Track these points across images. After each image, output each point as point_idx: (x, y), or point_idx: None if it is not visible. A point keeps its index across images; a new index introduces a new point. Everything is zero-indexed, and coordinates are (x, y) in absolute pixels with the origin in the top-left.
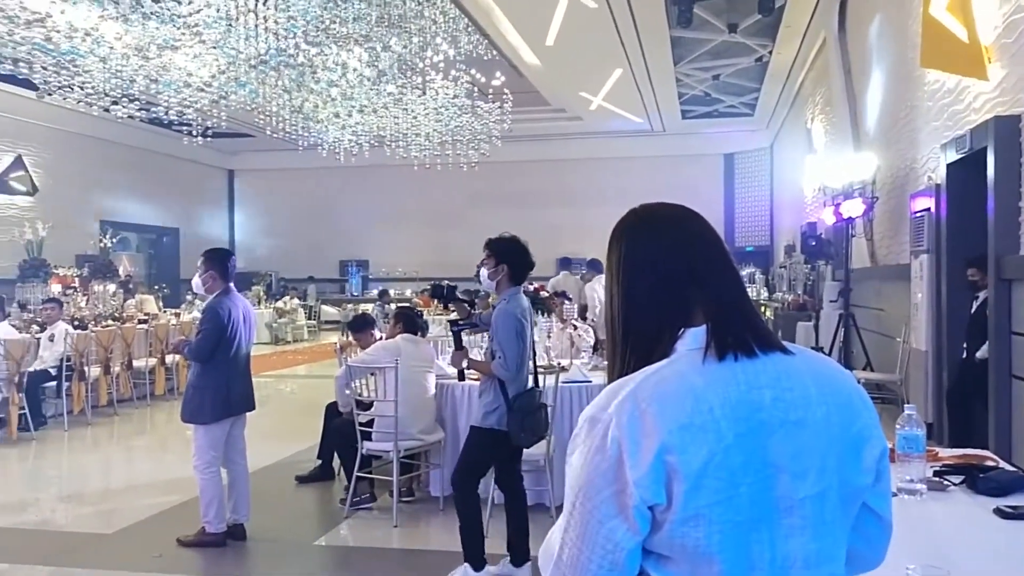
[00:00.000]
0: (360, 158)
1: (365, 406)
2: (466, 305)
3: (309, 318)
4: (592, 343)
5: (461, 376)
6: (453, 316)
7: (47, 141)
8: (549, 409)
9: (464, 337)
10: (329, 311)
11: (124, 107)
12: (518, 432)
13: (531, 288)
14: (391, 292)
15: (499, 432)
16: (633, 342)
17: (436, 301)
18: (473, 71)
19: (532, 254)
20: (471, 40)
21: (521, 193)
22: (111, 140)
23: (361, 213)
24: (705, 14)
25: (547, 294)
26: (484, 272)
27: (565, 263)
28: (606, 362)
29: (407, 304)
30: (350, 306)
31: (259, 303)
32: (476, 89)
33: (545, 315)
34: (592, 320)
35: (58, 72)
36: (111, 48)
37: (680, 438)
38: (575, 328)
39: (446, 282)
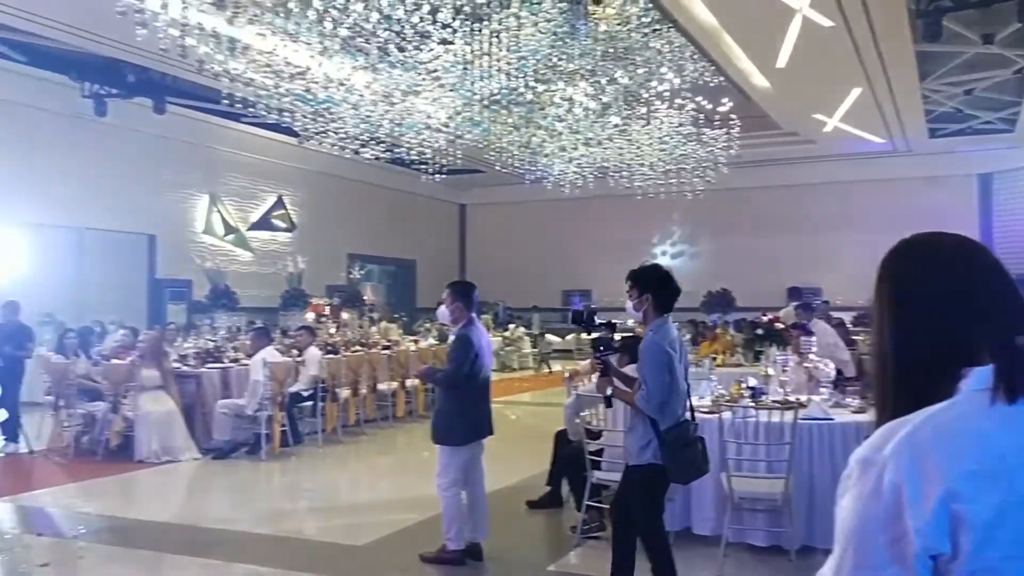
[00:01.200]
0: (584, 189)
1: (594, 435)
2: (607, 331)
3: (534, 347)
4: (832, 377)
5: (608, 403)
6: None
7: (303, 182)
8: (786, 448)
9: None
10: (553, 340)
11: (372, 149)
12: (670, 467)
13: (765, 319)
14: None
15: (657, 466)
16: (909, 382)
17: (576, 326)
18: (699, 98)
19: (733, 283)
20: (697, 68)
21: (749, 220)
22: (358, 179)
23: (585, 243)
24: (956, 26)
25: (782, 326)
26: (629, 304)
27: (795, 293)
28: (852, 399)
29: (632, 335)
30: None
31: (488, 331)
32: (702, 116)
33: (780, 348)
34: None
35: (315, 120)
36: (361, 96)
37: (967, 486)
38: (813, 362)
39: (585, 306)
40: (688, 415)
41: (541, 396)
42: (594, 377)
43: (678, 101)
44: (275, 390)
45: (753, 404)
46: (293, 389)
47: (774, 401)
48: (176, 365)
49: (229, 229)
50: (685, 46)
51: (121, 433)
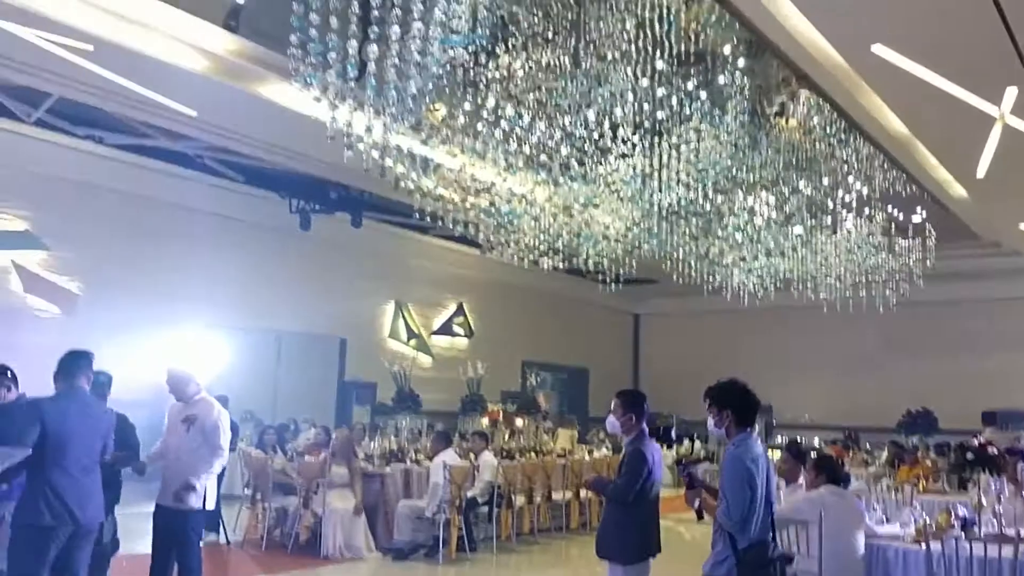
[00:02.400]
0: (765, 300)
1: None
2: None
3: (711, 462)
4: None
5: (700, 516)
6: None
7: (482, 291)
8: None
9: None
10: None
11: (550, 259)
12: None
13: (976, 442)
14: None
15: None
16: None
17: (660, 442)
18: (890, 207)
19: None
20: (888, 177)
21: (945, 337)
22: (534, 288)
23: (764, 356)
24: None
25: (996, 451)
26: (711, 420)
27: (989, 417)
28: None
29: (827, 454)
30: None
31: (662, 445)
32: (893, 226)
33: (994, 475)
34: None
35: (498, 231)
36: (542, 208)
37: None
38: None
39: (659, 422)
40: (770, 535)
41: None
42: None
43: (867, 210)
44: (454, 493)
45: (965, 536)
46: (469, 494)
47: (988, 533)
48: (362, 464)
49: (412, 334)
50: (874, 155)
51: (310, 528)
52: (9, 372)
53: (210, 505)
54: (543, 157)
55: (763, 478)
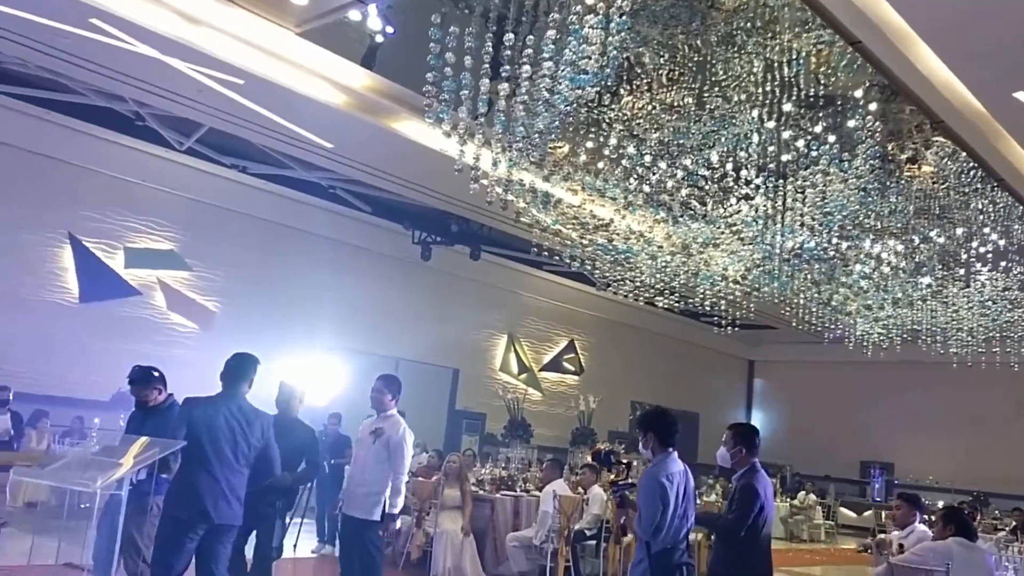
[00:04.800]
0: (889, 353)
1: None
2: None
3: (827, 518)
4: None
5: (624, 531)
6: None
7: (594, 328)
8: None
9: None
10: (847, 514)
11: (665, 299)
12: None
13: None
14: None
15: None
16: None
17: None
18: None
19: None
20: None
21: None
22: (646, 328)
23: (887, 412)
24: None
25: None
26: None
27: None
28: None
29: (954, 505)
30: (868, 512)
31: (775, 496)
32: None
33: None
34: None
35: (613, 269)
36: (660, 247)
37: None
38: None
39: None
40: (683, 543)
41: (834, 572)
42: (902, 542)
43: (1003, 263)
44: (562, 524)
45: None
46: (577, 527)
47: None
48: (473, 488)
49: (523, 368)
50: (1013, 206)
51: (421, 547)
52: (158, 374)
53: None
54: (663, 196)
55: (678, 493)
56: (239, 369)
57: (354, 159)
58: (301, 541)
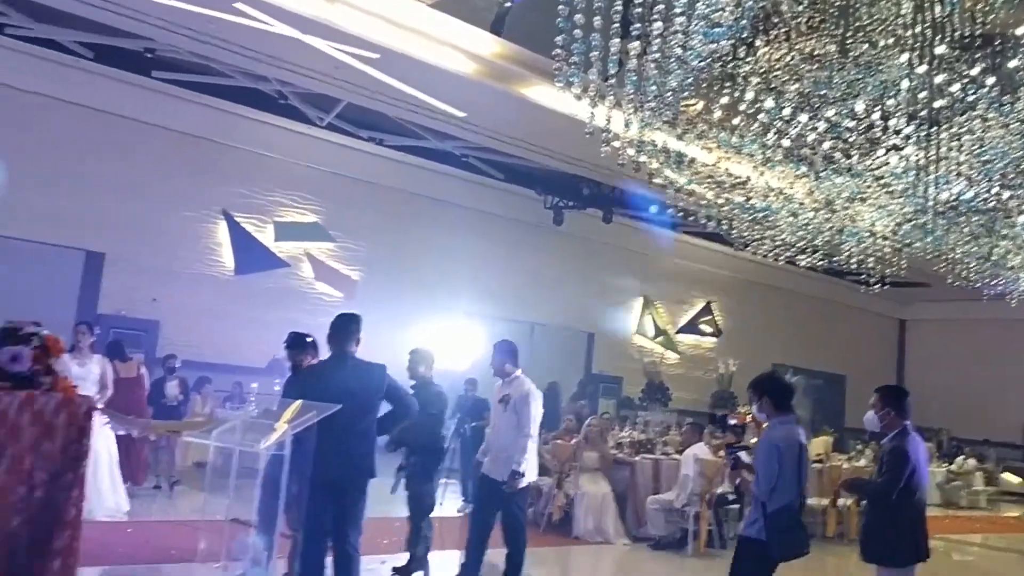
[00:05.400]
0: None
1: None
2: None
3: (987, 484)
4: None
5: (738, 491)
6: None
7: (732, 289)
8: None
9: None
10: (1011, 480)
11: (808, 257)
12: (773, 543)
13: None
14: None
15: (758, 541)
16: None
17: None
18: None
19: None
20: None
21: None
22: (787, 288)
23: None
24: None
25: None
26: (754, 407)
27: None
28: None
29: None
30: None
31: (931, 461)
32: None
33: None
34: None
35: (752, 228)
36: (801, 204)
37: None
38: None
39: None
40: (796, 502)
41: (995, 539)
42: None
43: None
44: (703, 487)
45: None
46: (720, 490)
47: None
48: (613, 452)
49: (659, 331)
50: None
51: (562, 509)
52: (311, 340)
53: (530, 478)
54: (804, 150)
55: (793, 455)
56: (344, 329)
57: (486, 127)
58: (446, 501)
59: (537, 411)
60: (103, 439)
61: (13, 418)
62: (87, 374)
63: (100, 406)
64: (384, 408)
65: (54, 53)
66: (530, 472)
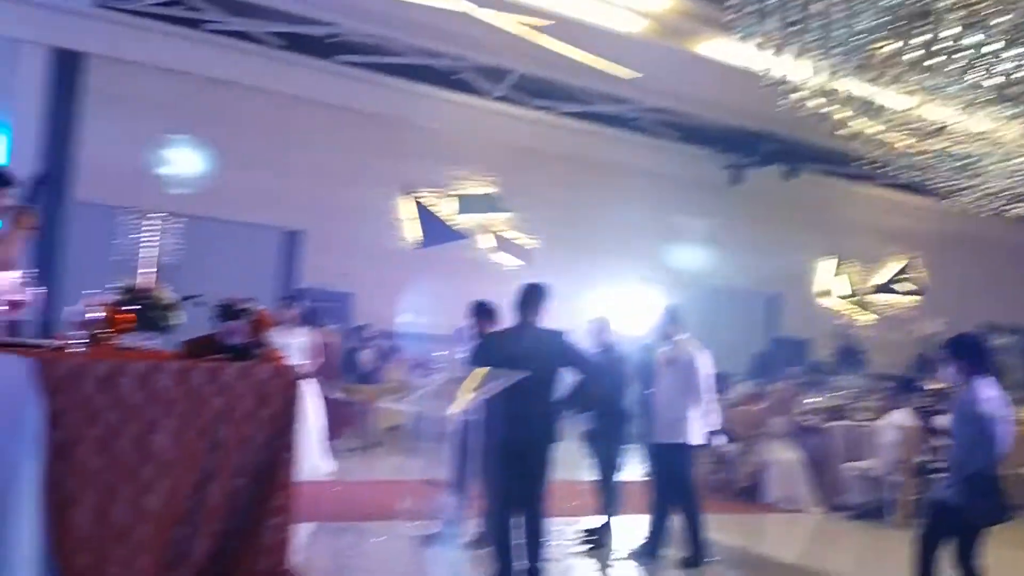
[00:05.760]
0: None
1: None
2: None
3: None
4: None
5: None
6: None
7: (930, 244)
8: None
9: None
10: None
11: (1018, 207)
12: (968, 508)
13: None
14: None
15: (952, 506)
16: None
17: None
18: None
19: None
20: None
21: None
22: (995, 241)
23: None
24: None
25: None
26: (947, 371)
27: None
28: None
29: None
30: None
31: None
32: None
33: None
34: None
35: (954, 177)
36: (1013, 148)
37: None
38: None
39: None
40: (993, 467)
41: None
42: None
43: None
44: (904, 454)
45: None
46: (922, 458)
47: None
48: (802, 418)
49: (851, 292)
50: None
51: (750, 476)
52: (492, 308)
53: (696, 440)
54: (1015, 88)
55: (992, 420)
56: (530, 299)
57: (659, 86)
58: (631, 466)
59: (705, 371)
60: (310, 405)
61: (233, 386)
62: (292, 345)
63: (307, 374)
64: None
65: (247, 44)
66: (696, 434)
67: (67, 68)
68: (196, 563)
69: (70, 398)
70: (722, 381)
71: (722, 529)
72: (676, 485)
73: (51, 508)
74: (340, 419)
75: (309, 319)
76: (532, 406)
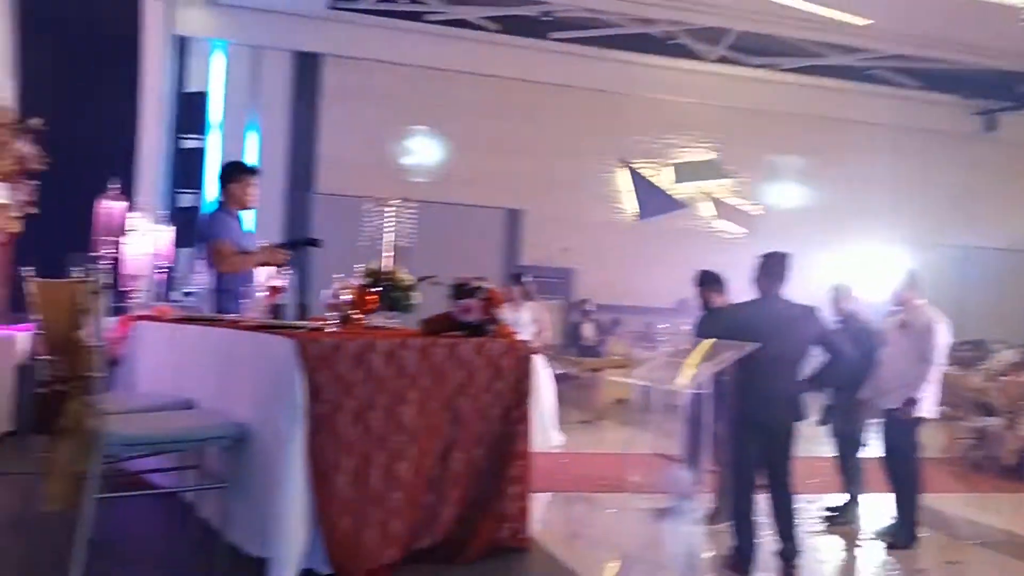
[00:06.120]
0: None
1: None
2: None
3: None
4: None
5: None
6: None
7: None
8: None
9: None
10: None
11: None
12: None
13: None
14: None
15: None
16: None
17: None
18: None
19: None
20: None
21: None
22: None
23: None
24: None
25: None
26: None
27: None
28: None
29: None
30: None
31: None
32: None
33: None
34: None
35: None
36: None
37: None
38: None
39: None
40: None
41: None
42: None
43: None
44: None
45: None
46: None
47: None
48: None
49: None
50: None
51: (1017, 453)
52: (719, 278)
53: (926, 414)
54: None
55: None
56: (773, 268)
57: (896, 32)
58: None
59: (943, 340)
60: (542, 378)
61: (470, 361)
62: (522, 320)
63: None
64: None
65: (465, 31)
66: (928, 406)
67: (306, 69)
68: (442, 529)
69: (327, 374)
70: (978, 348)
71: (986, 509)
72: (896, 456)
73: (316, 474)
74: (565, 392)
75: (534, 295)
76: (780, 383)
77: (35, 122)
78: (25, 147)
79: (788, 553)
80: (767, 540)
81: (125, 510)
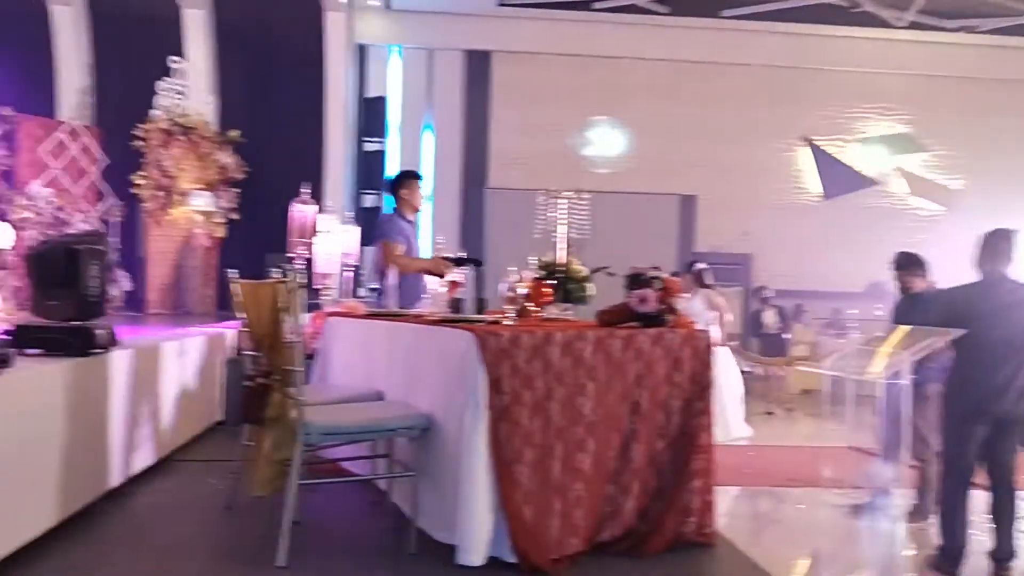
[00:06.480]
0: None
1: None
2: None
3: None
4: None
5: None
6: None
7: None
8: None
9: None
10: None
11: None
12: None
13: None
14: None
15: None
16: None
17: None
18: None
19: None
20: None
21: None
22: None
23: None
24: None
25: None
26: None
27: None
28: None
29: None
30: None
31: None
32: None
33: None
34: None
35: None
36: None
37: None
38: None
39: None
40: None
41: None
42: None
43: None
44: None
45: None
46: None
47: None
48: None
49: None
50: None
51: None
52: (920, 259)
53: None
54: None
55: None
56: (996, 247)
57: None
58: None
59: None
60: (725, 369)
61: (648, 353)
62: (693, 309)
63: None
64: None
65: (633, 16)
66: None
67: (477, 67)
68: (624, 521)
69: (506, 366)
70: None
71: None
72: (1000, 460)
73: (499, 464)
74: (749, 383)
75: (708, 282)
76: (1009, 371)
77: (234, 134)
78: (226, 158)
79: (1003, 554)
80: (976, 539)
81: (325, 496)
